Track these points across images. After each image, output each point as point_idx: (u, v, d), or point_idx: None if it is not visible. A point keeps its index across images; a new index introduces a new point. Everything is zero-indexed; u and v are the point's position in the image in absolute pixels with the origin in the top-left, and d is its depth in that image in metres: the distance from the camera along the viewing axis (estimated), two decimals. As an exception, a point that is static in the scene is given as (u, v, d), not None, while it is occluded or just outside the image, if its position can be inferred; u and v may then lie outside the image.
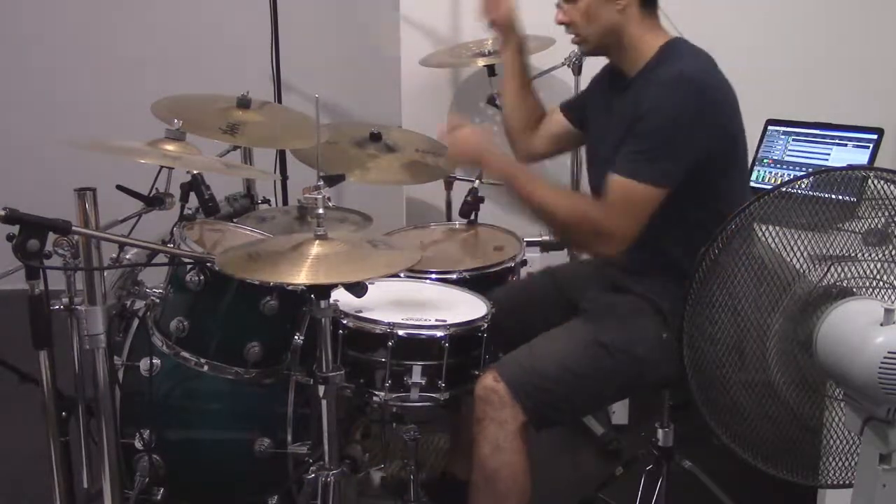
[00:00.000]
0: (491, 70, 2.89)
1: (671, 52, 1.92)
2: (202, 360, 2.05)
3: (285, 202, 3.23)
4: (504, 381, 1.86)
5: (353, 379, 1.94)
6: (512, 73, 2.30)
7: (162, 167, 2.04)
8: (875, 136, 2.42)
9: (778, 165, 2.57)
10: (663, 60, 1.90)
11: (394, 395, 1.94)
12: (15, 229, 1.62)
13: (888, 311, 1.22)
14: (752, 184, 2.55)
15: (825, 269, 1.33)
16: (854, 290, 1.33)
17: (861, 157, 2.42)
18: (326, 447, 1.79)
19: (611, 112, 2.00)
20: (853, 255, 1.34)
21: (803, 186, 1.37)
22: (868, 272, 1.34)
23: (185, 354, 2.05)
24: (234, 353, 2.04)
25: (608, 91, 2.07)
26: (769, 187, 1.38)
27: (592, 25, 1.94)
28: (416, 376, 1.92)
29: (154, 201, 2.07)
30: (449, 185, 2.89)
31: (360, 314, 1.96)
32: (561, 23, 1.99)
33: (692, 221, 1.82)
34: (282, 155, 3.24)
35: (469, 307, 2.05)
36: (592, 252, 2.09)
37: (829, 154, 2.49)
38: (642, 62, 1.93)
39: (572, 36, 2.01)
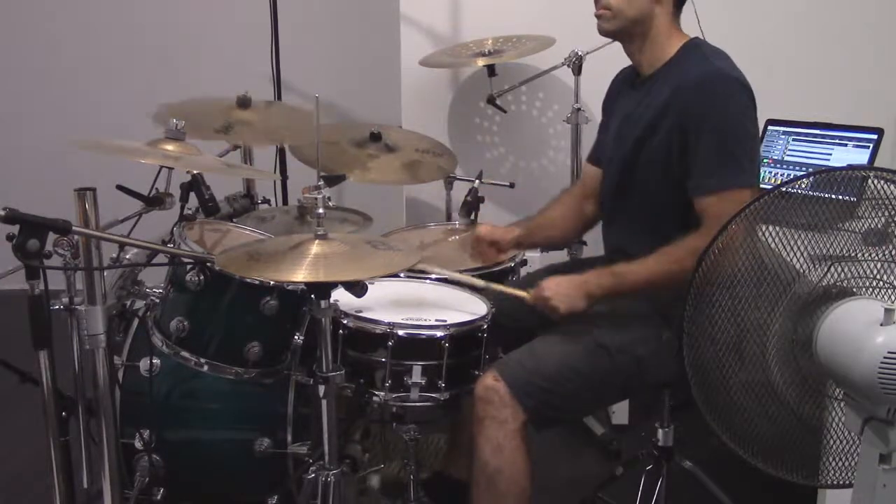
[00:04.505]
0: (491, 70, 2.89)
1: (695, 51, 1.92)
2: (202, 360, 2.05)
3: (285, 202, 3.23)
4: (504, 381, 1.86)
5: (353, 379, 1.94)
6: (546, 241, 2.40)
7: (162, 167, 2.04)
8: (875, 136, 2.41)
9: (778, 165, 2.57)
10: (687, 59, 1.91)
11: (394, 395, 1.94)
12: (15, 229, 1.61)
13: (888, 311, 1.22)
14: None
15: (825, 269, 1.33)
16: (854, 290, 1.33)
17: (861, 157, 2.42)
18: (326, 447, 1.79)
19: (622, 112, 2.01)
20: (853, 255, 1.34)
21: (803, 186, 1.37)
22: (868, 272, 1.34)
23: (185, 354, 2.05)
24: (234, 352, 2.05)
25: (619, 96, 2.08)
26: (769, 187, 1.38)
27: (629, 7, 1.92)
28: (416, 376, 1.92)
29: (154, 201, 2.08)
30: (449, 185, 2.89)
31: (360, 314, 1.96)
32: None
33: (694, 222, 1.82)
34: (282, 155, 3.24)
35: (469, 307, 2.05)
36: None
37: (829, 154, 2.49)
38: (662, 59, 1.94)
39: (596, 10, 1.95)
